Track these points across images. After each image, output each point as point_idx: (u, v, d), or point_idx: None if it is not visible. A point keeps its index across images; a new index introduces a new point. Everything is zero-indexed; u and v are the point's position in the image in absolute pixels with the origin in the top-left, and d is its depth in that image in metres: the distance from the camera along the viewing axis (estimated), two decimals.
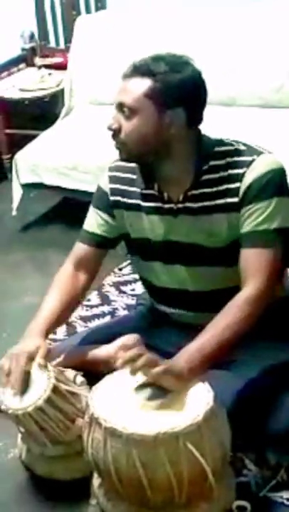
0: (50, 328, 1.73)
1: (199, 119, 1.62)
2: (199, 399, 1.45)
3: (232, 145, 1.63)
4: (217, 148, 1.63)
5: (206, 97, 1.61)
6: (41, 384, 1.59)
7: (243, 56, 3.18)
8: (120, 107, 1.58)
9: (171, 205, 1.67)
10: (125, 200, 1.75)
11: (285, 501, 1.62)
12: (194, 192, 1.63)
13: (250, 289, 1.55)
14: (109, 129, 1.60)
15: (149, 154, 1.61)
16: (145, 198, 1.71)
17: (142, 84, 1.54)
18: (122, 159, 1.67)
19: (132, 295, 2.54)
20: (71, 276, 1.80)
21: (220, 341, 1.52)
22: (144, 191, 1.70)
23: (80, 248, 1.82)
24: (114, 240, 1.82)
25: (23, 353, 1.62)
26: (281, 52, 3.11)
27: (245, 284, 1.57)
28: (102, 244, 1.82)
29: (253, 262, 1.57)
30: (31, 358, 1.62)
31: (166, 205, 1.68)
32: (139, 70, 1.55)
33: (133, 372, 1.44)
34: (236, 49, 3.19)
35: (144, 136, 1.57)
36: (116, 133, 1.60)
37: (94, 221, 1.81)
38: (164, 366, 1.43)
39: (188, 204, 1.65)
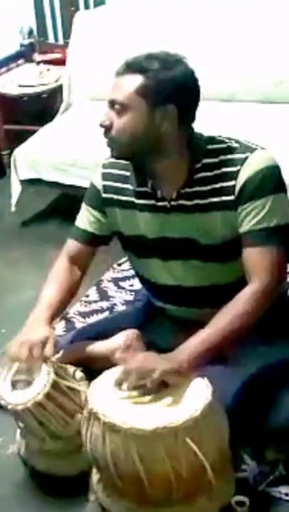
0: (53, 316, 1.73)
1: (191, 118, 1.61)
2: (197, 394, 1.45)
3: (224, 142, 1.62)
4: (210, 146, 1.62)
5: (198, 96, 1.60)
6: (41, 379, 1.59)
7: (242, 51, 3.17)
8: (112, 103, 1.57)
9: (165, 203, 1.66)
10: (119, 197, 1.74)
11: (284, 496, 1.62)
12: (188, 190, 1.63)
13: (255, 285, 1.56)
14: (101, 125, 1.59)
15: (140, 152, 1.60)
16: (139, 195, 1.70)
17: (134, 81, 1.53)
18: (113, 157, 1.66)
19: (131, 291, 2.54)
20: (66, 269, 1.81)
21: (224, 334, 1.53)
22: (138, 189, 1.70)
23: (72, 244, 1.83)
24: (105, 237, 1.83)
25: (37, 342, 1.60)
26: (281, 47, 3.10)
27: (250, 281, 1.57)
28: (94, 241, 1.82)
29: (256, 261, 1.57)
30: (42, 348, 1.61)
31: (160, 203, 1.67)
32: (131, 67, 1.55)
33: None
34: (235, 44, 3.19)
35: (135, 133, 1.56)
36: (107, 130, 1.59)
37: (85, 218, 1.81)
38: (160, 371, 1.45)
39: (181, 202, 1.64)
